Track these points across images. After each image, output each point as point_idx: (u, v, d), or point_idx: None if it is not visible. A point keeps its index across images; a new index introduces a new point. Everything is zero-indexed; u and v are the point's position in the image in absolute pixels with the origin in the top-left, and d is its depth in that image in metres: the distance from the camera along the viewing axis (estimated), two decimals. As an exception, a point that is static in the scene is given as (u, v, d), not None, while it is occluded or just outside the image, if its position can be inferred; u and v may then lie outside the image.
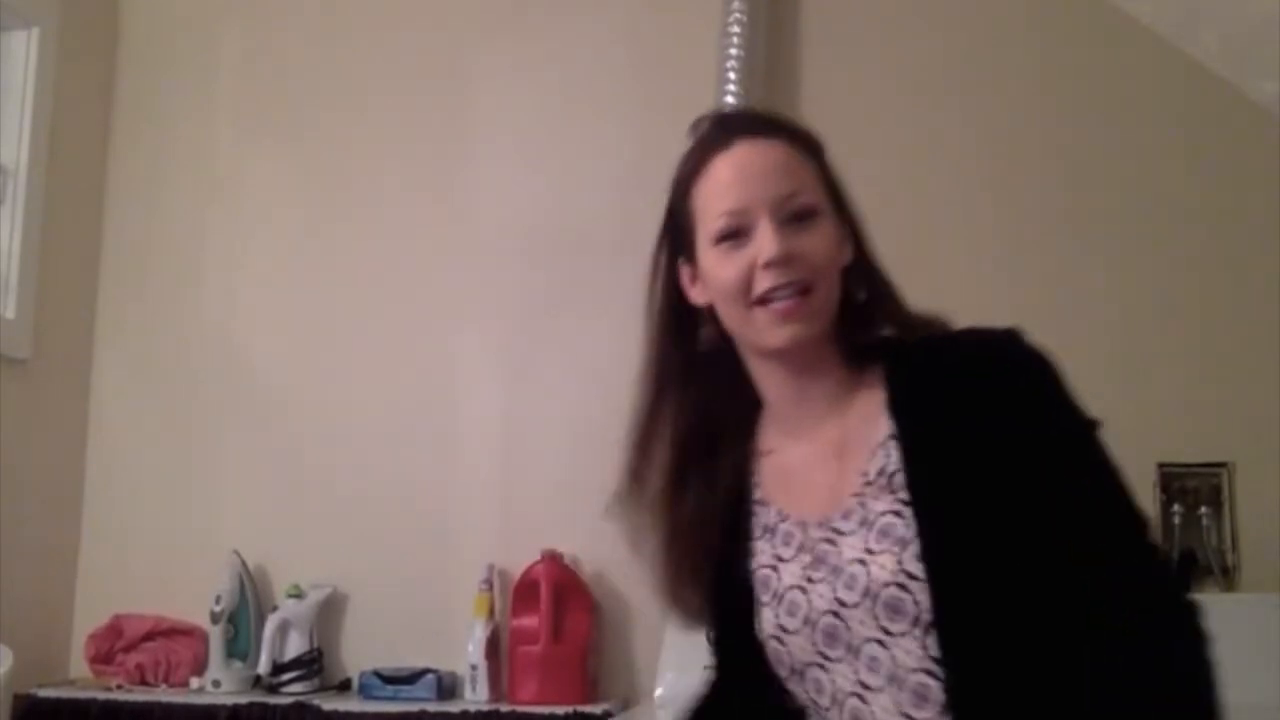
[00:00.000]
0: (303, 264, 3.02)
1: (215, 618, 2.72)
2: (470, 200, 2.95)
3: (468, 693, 2.61)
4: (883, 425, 1.17)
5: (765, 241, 1.17)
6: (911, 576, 1.09)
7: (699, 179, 1.23)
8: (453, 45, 3.02)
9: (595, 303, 2.71)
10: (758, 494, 1.28)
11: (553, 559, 2.64)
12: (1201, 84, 2.70)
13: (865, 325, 1.23)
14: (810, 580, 1.19)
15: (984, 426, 1.11)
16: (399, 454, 2.87)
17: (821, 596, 1.17)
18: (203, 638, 2.77)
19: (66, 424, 2.98)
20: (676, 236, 1.27)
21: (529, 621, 2.61)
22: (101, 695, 2.63)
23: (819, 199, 1.21)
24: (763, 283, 1.17)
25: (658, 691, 2.48)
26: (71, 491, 2.98)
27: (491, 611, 2.67)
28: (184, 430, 2.99)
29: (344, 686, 2.75)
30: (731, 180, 1.20)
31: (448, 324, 2.92)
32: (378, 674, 2.65)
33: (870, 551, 1.13)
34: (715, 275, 1.21)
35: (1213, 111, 2.69)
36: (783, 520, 1.25)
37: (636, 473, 1.28)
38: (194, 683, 2.71)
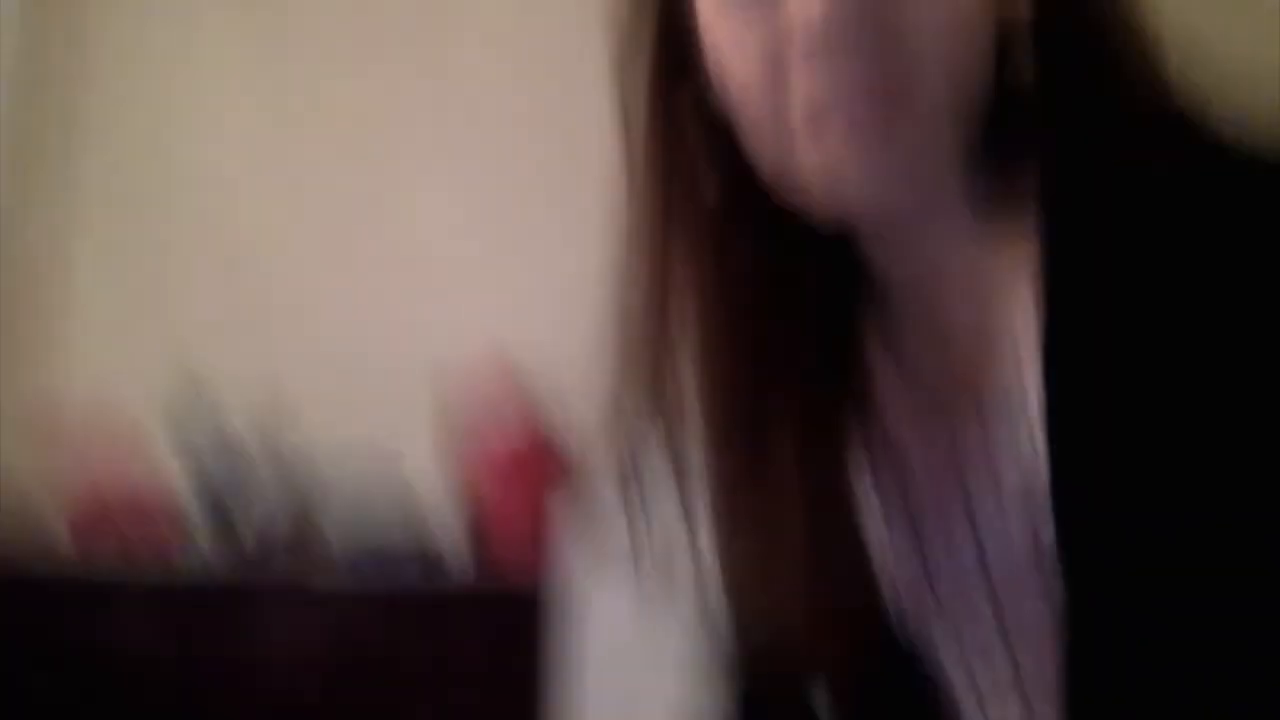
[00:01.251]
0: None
1: (198, 492, 2.64)
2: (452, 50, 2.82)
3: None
4: (1029, 346, 0.61)
5: None
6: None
7: None
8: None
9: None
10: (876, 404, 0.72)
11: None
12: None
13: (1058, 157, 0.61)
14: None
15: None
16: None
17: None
18: (183, 516, 2.67)
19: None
20: None
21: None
22: (85, 575, 2.55)
23: None
24: (802, 82, 0.58)
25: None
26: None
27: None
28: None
29: (328, 567, 2.69)
30: None
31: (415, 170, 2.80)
32: (362, 553, 2.56)
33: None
34: (720, 58, 0.62)
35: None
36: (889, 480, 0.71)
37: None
38: (178, 561, 2.62)
